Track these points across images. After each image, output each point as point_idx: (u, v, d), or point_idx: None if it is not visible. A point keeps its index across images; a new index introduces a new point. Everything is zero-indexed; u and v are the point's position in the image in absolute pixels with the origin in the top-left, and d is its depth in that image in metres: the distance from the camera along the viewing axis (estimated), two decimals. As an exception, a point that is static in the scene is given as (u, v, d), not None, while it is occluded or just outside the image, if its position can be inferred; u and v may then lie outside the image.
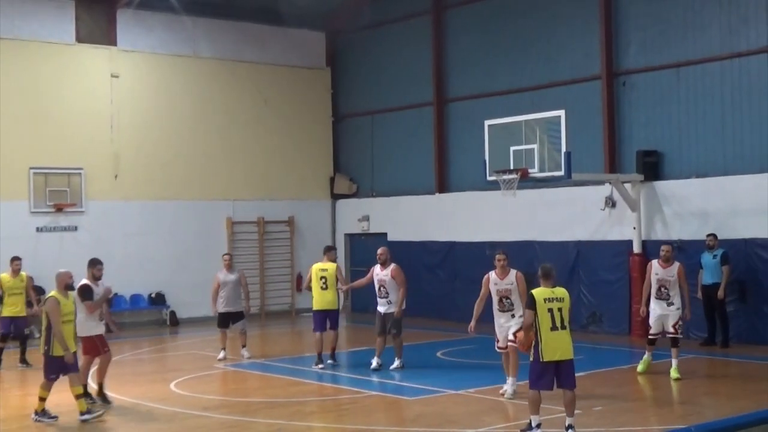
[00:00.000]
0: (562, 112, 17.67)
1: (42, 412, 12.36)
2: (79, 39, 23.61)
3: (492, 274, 13.42)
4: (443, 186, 24.73)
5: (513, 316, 13.21)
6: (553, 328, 10.63)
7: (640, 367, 15.07)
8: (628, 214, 20.00)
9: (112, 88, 23.94)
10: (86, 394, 12.89)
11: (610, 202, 20.41)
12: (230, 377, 16.23)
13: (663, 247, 15.21)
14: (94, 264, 13.55)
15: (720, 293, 17.69)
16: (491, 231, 22.72)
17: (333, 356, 16.71)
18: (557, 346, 10.65)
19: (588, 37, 21.36)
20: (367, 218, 26.66)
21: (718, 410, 12.00)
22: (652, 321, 14.94)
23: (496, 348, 13.53)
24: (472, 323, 13.56)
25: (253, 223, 26.05)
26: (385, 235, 25.80)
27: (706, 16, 19.39)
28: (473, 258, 22.92)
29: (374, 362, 15.90)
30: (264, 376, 15.94)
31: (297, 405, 13.27)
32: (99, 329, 13.33)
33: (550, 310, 10.65)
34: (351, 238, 27.29)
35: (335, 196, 27.67)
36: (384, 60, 26.49)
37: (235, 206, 25.75)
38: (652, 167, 19.89)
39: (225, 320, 17.63)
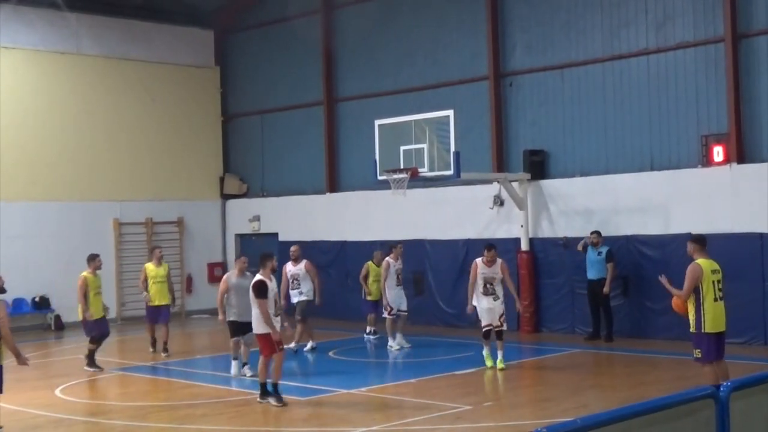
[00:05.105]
0: (450, 112, 17.84)
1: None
2: (-43, 35, 22.89)
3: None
4: (334, 185, 24.74)
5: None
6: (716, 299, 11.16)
7: (488, 363, 15.32)
8: (515, 213, 20.36)
9: (-8, 86, 23.24)
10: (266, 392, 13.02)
11: (498, 201, 20.74)
12: (118, 381, 15.89)
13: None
14: (270, 257, 13.62)
15: (606, 289, 18.17)
16: (382, 230, 22.85)
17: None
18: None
19: (475, 38, 21.68)
20: (257, 218, 26.47)
21: (603, 402, 12.32)
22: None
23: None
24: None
25: (142, 224, 25.59)
26: (276, 235, 25.66)
27: (588, 19, 19.90)
28: (364, 257, 22.96)
29: (309, 345, 17.94)
30: (153, 380, 15.68)
31: (188, 408, 13.09)
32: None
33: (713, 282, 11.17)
34: (242, 238, 27.06)
35: (225, 197, 27.39)
36: (274, 59, 26.33)
37: (122, 207, 25.23)
38: (538, 166, 20.31)
39: (237, 330, 15.27)
